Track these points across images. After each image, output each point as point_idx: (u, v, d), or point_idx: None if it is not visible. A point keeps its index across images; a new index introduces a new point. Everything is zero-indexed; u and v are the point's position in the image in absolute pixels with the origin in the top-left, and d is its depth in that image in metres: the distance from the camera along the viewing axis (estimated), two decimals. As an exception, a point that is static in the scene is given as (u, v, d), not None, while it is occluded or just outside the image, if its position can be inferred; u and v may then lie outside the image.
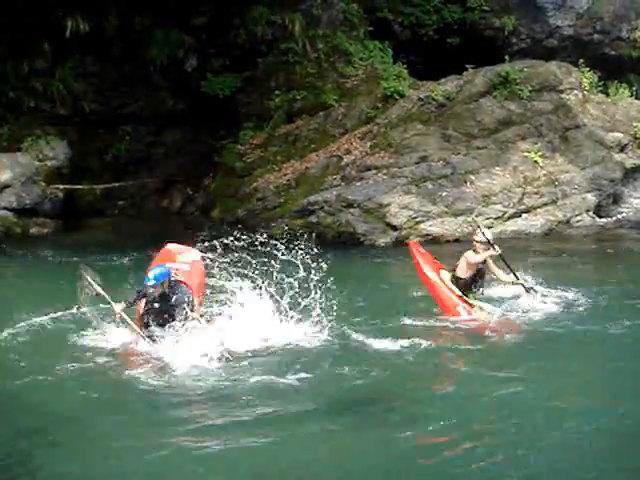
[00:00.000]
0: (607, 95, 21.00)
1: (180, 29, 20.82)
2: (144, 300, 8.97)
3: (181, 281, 9.06)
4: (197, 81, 21.34)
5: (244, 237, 9.47)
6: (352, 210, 16.88)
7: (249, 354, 8.67)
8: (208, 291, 9.68)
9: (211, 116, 21.48)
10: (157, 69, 21.00)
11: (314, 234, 13.32)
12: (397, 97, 20.03)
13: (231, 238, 9.41)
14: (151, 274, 8.72)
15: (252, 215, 18.75)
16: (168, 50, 20.65)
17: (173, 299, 8.73)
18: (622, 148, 19.60)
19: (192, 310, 8.71)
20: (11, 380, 7.93)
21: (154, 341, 8.67)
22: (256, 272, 9.35)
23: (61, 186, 19.48)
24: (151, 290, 8.75)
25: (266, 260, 9.50)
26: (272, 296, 9.35)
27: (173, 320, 8.61)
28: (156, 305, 8.78)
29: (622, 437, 6.70)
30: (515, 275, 10.70)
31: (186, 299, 8.70)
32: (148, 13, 20.59)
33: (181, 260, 9.67)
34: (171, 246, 10.07)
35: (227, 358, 8.42)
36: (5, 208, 18.27)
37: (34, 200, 18.67)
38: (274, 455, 6.37)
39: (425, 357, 8.79)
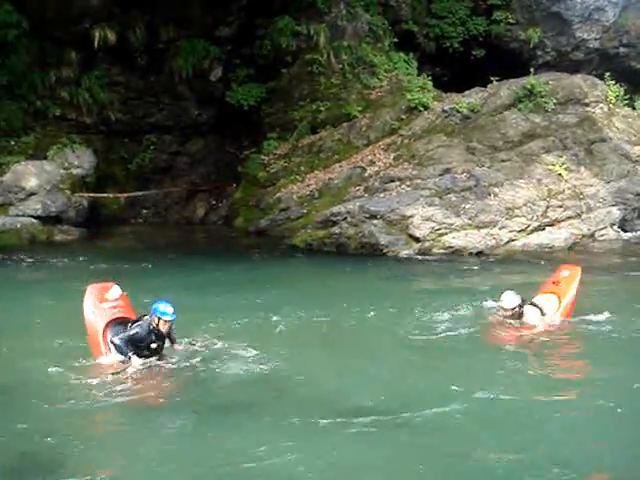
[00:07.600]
0: (633, 108, 20.83)
1: (206, 40, 21.01)
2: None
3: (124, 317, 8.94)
4: (222, 91, 21.50)
5: None
6: (375, 221, 16.83)
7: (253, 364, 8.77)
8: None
9: (235, 126, 21.61)
10: (182, 79, 21.17)
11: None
12: (421, 109, 20.03)
13: None
14: (169, 309, 8.46)
15: (275, 225, 18.80)
16: (193, 60, 20.85)
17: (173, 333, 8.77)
18: (648, 162, 19.41)
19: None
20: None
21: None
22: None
23: (86, 194, 19.67)
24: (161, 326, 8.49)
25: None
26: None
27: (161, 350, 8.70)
28: (154, 339, 8.59)
29: None
30: None
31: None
32: (174, 24, 20.82)
33: (111, 297, 9.16)
34: (95, 286, 9.31)
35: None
36: (30, 215, 18.47)
37: (59, 208, 18.85)
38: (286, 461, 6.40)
39: (429, 366, 8.79)
